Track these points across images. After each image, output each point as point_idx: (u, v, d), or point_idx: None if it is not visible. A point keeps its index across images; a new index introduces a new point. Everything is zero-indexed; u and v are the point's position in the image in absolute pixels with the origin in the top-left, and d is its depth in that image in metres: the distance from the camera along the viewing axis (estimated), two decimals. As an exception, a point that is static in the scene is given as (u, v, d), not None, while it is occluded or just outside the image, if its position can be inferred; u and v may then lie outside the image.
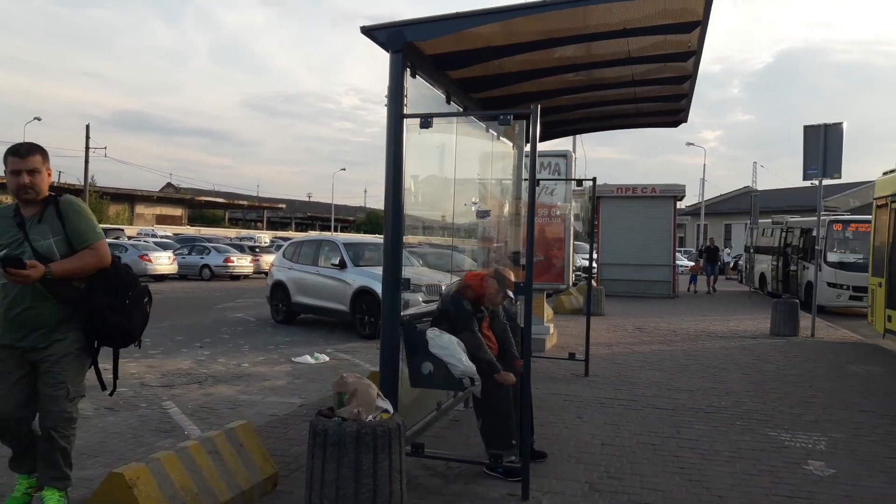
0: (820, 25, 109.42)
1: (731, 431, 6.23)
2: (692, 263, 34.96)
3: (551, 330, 10.91)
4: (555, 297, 16.32)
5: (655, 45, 5.65)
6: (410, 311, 5.29)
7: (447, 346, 4.79)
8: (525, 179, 8.68)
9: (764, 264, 24.15)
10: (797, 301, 13.46)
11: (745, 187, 67.89)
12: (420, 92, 5.44)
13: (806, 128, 12.70)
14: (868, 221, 19.54)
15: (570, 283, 11.00)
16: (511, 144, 8.30)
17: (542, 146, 9.23)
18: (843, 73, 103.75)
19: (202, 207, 76.19)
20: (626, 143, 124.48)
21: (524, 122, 7.12)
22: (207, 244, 29.69)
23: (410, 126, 4.96)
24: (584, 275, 24.25)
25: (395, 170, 4.80)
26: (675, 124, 8.22)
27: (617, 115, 7.90)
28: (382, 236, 4.93)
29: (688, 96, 6.87)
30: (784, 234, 22.28)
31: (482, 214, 6.62)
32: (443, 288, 6.00)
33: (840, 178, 12.75)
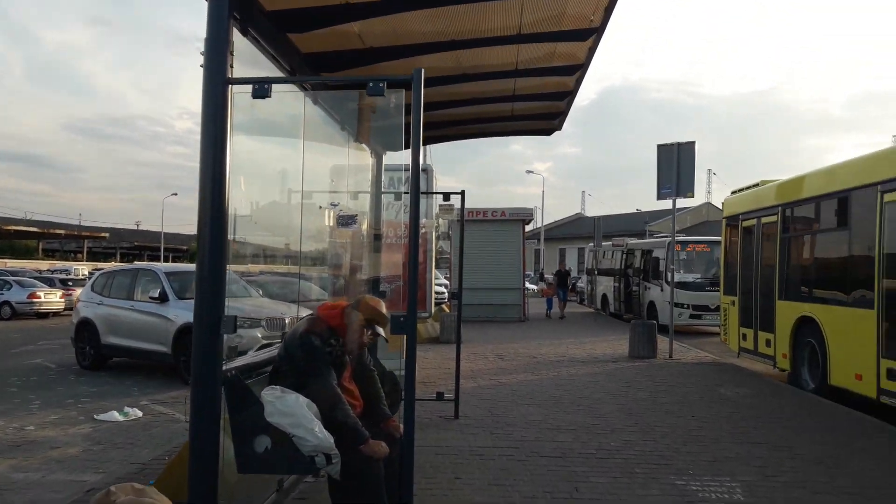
0: (636, 65, 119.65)
1: (634, 483, 5.23)
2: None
3: (411, 364, 9.61)
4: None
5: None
6: (238, 362, 3.76)
7: (292, 411, 3.33)
8: (386, 192, 7.38)
9: (606, 286, 24.54)
10: (654, 322, 13.19)
11: (576, 214, 71.34)
12: (255, 63, 4.01)
13: (659, 147, 12.52)
14: (705, 242, 20.45)
15: (432, 311, 9.78)
16: (368, 151, 6.97)
17: (400, 157, 8.01)
18: (657, 110, 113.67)
19: (12, 238, 67.31)
20: (465, 172, 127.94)
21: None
22: (9, 278, 25.37)
23: (241, 107, 3.53)
24: (446, 300, 23.38)
25: (214, 158, 3.32)
26: (549, 132, 7.34)
27: (494, 116, 6.82)
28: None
29: (572, 93, 5.95)
30: (625, 257, 22.70)
31: (345, 221, 5.20)
32: (287, 322, 4.53)
33: (693, 196, 12.68)
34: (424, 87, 3.19)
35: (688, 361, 12.12)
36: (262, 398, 3.38)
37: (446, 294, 23.47)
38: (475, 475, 5.40)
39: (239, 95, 3.53)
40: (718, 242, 19.42)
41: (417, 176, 3.38)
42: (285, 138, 5.28)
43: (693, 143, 12.38)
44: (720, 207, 49.48)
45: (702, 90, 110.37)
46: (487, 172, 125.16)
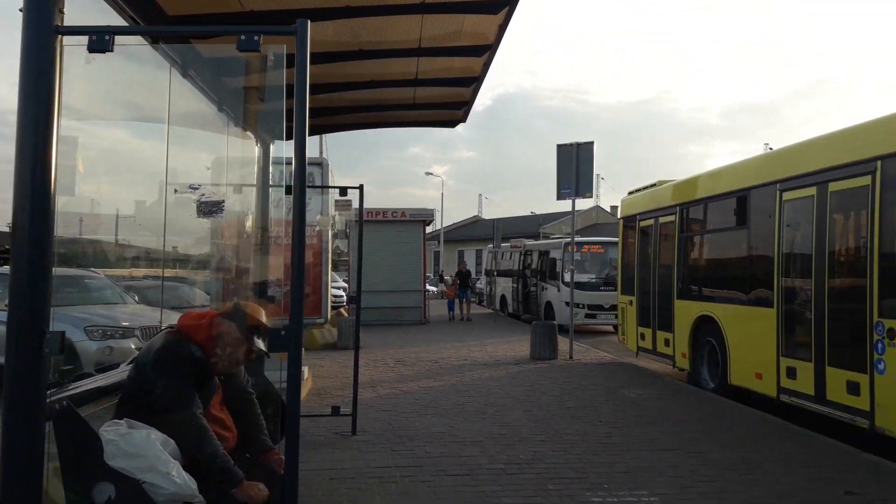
0: (529, 73, 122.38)
1: (549, 503, 4.78)
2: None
3: (305, 374, 8.84)
4: (308, 329, 14.20)
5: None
6: (74, 388, 2.97)
7: (142, 451, 2.61)
8: (275, 187, 6.61)
9: (504, 287, 24.49)
10: (555, 324, 13.00)
11: (473, 217, 71.84)
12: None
13: (559, 147, 12.34)
14: (599, 243, 20.73)
15: (328, 316, 9.05)
16: (254, 139, 6.21)
17: (292, 148, 7.27)
18: (548, 116, 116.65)
19: None
20: (364, 173, 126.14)
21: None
22: None
23: (88, 78, 2.81)
24: (344, 304, 22.42)
25: (35, 132, 2.54)
26: (453, 123, 6.83)
27: (395, 103, 6.20)
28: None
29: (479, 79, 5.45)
30: (523, 257, 22.69)
31: (208, 209, 4.44)
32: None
33: (591, 196, 12.59)
34: (318, 63, 2.56)
35: (588, 362, 11.99)
36: (101, 435, 2.63)
37: (345, 297, 22.64)
38: (375, 502, 4.78)
39: (90, 66, 2.78)
40: (613, 243, 19.74)
41: (303, 157, 2.73)
42: (147, 120, 4.49)
43: (592, 143, 12.28)
44: (609, 211, 51.12)
45: (591, 98, 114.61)
46: (387, 174, 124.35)
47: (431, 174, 51.92)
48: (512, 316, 23.20)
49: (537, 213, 62.23)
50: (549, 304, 20.04)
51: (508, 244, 24.44)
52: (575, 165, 12.09)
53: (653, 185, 11.74)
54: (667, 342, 10.56)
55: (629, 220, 12.30)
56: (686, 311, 9.90)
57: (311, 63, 2.67)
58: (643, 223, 11.65)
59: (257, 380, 3.61)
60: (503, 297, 24.56)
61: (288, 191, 6.83)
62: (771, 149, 20.95)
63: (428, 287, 33.07)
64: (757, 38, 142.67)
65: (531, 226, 50.96)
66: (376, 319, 19.06)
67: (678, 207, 10.33)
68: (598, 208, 62.15)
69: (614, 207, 63.45)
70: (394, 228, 19.69)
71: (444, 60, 4.94)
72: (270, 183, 6.59)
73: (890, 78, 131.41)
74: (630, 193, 12.59)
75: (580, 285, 19.08)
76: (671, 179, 11.21)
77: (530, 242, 24.00)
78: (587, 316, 18.94)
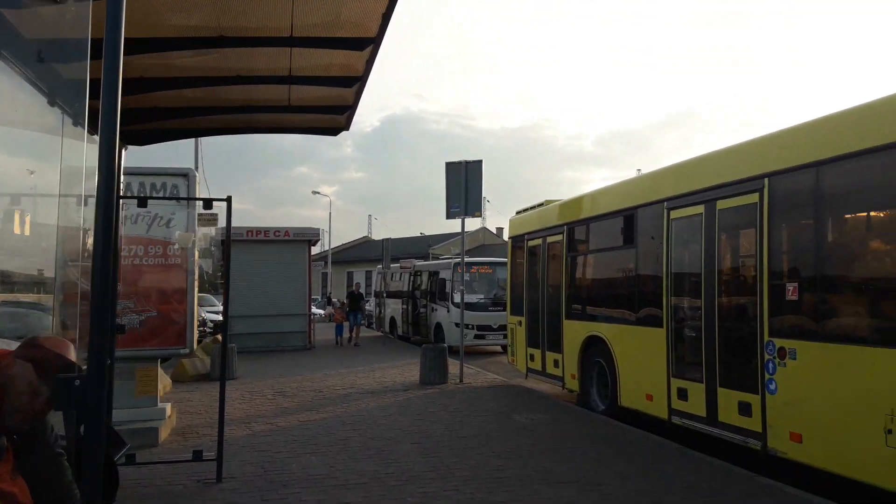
0: (416, 97, 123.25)
1: (441, 554, 4.21)
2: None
3: (168, 411, 7.81)
4: (176, 359, 12.95)
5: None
6: None
7: None
8: (127, 199, 5.69)
9: (394, 308, 23.89)
10: (445, 347, 12.52)
11: (363, 237, 70.90)
12: None
13: (448, 165, 11.98)
14: (487, 264, 20.62)
15: (194, 345, 8.09)
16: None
17: (154, 155, 6.38)
18: (435, 140, 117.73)
19: None
20: (248, 193, 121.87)
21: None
22: None
23: None
24: (210, 331, 20.92)
25: None
26: (335, 130, 6.20)
27: (267, 105, 5.48)
28: None
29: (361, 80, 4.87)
30: (412, 278, 22.21)
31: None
32: None
33: (480, 215, 12.28)
34: (173, 49, 1.90)
35: (479, 385, 11.58)
36: None
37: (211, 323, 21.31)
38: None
39: None
40: (501, 263, 19.69)
41: (112, 154, 2.04)
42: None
43: (480, 161, 12.00)
44: (495, 232, 51.79)
45: (475, 123, 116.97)
46: (272, 194, 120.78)
47: (319, 193, 50.83)
48: (401, 338, 22.62)
49: (427, 234, 62.30)
50: (438, 326, 19.65)
51: (398, 265, 23.90)
52: (464, 183, 11.76)
53: (540, 205, 11.59)
54: (556, 363, 10.33)
55: (517, 240, 12.08)
56: (574, 332, 9.71)
57: (166, 49, 2.01)
58: (531, 243, 11.45)
59: (71, 431, 2.82)
60: (393, 319, 23.96)
61: (142, 203, 5.96)
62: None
63: (315, 310, 31.91)
64: (629, 70, 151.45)
65: (421, 247, 50.73)
66: (258, 346, 17.91)
67: (565, 227, 10.18)
68: (484, 230, 62.98)
69: (500, 229, 64.60)
70: (276, 248, 18.65)
71: (322, 54, 4.32)
72: (122, 194, 5.70)
73: (748, 106, 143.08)
74: (518, 213, 12.41)
75: (470, 306, 18.83)
76: (558, 199, 11.10)
77: (420, 263, 23.61)
78: (476, 336, 18.72)
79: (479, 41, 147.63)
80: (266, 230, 18.79)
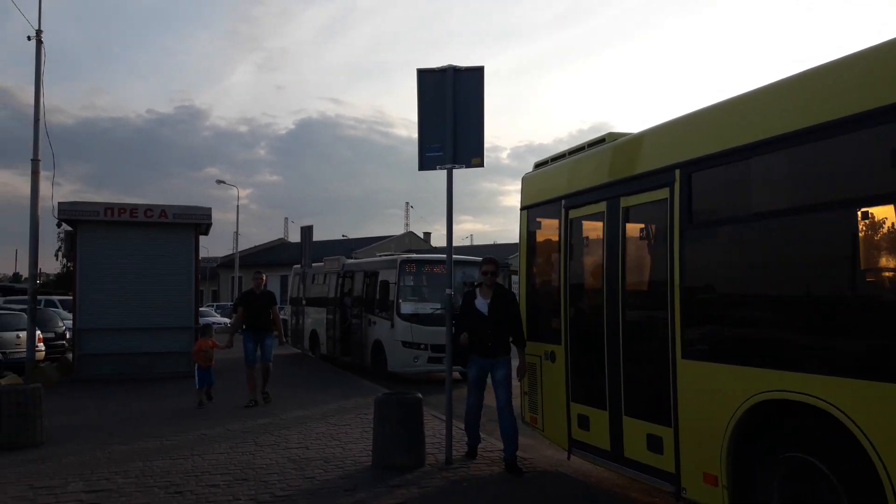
0: (332, 101, 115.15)
1: None
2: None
3: None
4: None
5: None
6: None
7: None
8: None
9: (316, 319, 17.94)
10: (419, 399, 6.79)
11: (278, 239, 63.66)
12: None
13: (421, 73, 6.32)
14: (442, 262, 14.94)
15: None
16: None
17: None
18: (352, 146, 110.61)
19: None
20: (152, 192, 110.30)
21: None
22: None
23: None
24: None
25: None
26: None
27: None
28: None
29: None
30: (342, 281, 16.46)
31: None
32: None
33: (482, 165, 6.65)
34: None
35: (484, 472, 6.09)
36: None
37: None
38: None
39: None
40: (466, 262, 14.38)
41: None
42: None
43: (480, 69, 6.54)
44: (422, 237, 46.19)
45: (392, 131, 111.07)
46: (178, 195, 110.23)
47: (224, 182, 43.73)
48: (326, 359, 16.77)
49: (350, 237, 56.04)
50: (378, 345, 13.96)
51: (322, 263, 18.07)
52: (451, 107, 6.31)
53: (600, 141, 6.26)
54: (654, 443, 4.97)
55: (545, 210, 6.61)
56: (713, 388, 4.41)
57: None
58: (580, 211, 6.04)
59: None
60: (314, 333, 17.96)
61: None
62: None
63: (217, 321, 25.15)
64: (540, 85, 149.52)
65: (343, 251, 44.59)
66: (116, 372, 11.77)
67: (678, 172, 4.89)
68: (410, 234, 57.31)
69: (428, 234, 59.15)
70: (147, 235, 12.53)
71: None
72: None
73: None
74: (539, 165, 6.98)
75: (420, 318, 13.32)
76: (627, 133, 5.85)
77: (351, 261, 17.79)
78: (430, 360, 13.15)
79: (397, 45, 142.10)
80: (134, 208, 12.56)
